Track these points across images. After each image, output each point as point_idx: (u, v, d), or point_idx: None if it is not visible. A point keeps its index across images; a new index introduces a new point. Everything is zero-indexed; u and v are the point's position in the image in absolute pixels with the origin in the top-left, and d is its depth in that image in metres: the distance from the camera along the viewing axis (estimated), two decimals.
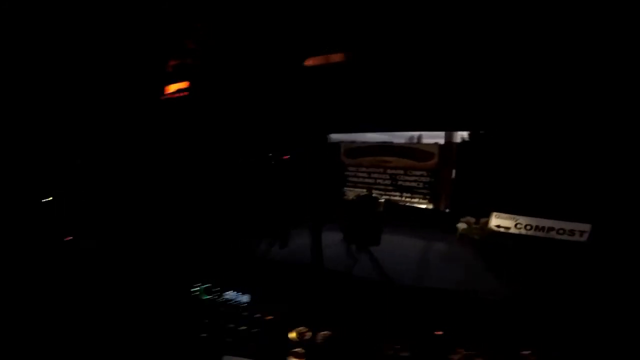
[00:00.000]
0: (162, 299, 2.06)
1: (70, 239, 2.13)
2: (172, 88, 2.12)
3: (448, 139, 2.72)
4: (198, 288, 2.05)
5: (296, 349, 1.82)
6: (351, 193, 2.64)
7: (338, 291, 1.91)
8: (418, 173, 2.78)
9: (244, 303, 1.97)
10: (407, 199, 2.81)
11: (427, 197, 2.75)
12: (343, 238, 1.99)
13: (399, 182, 2.78)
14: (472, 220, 2.28)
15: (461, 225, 2.32)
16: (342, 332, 1.79)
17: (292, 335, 1.84)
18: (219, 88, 2.13)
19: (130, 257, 2.16)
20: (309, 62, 1.95)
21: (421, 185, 2.76)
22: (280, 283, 1.98)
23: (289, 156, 2.17)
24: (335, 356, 1.77)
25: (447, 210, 2.66)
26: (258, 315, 1.93)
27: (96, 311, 2.06)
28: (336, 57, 1.94)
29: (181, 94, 2.13)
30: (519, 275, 1.78)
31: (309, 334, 1.83)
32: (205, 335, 1.96)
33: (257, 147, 2.19)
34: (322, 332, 1.81)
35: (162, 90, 2.13)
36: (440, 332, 1.70)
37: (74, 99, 2.14)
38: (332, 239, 2.03)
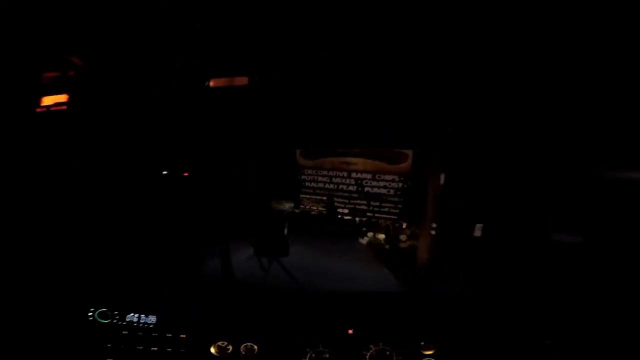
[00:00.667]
0: (53, 326, 1.83)
1: None
2: (49, 100, 1.94)
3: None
4: (91, 313, 1.83)
5: None
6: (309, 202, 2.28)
7: (253, 303, 1.88)
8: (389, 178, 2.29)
9: (151, 324, 1.84)
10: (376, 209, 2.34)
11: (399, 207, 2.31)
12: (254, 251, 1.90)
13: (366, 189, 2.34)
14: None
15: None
16: (264, 342, 1.81)
17: (213, 350, 1.82)
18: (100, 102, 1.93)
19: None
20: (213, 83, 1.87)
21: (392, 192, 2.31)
22: (190, 300, 1.87)
23: (188, 173, 1.91)
24: None
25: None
26: (169, 334, 1.83)
27: None
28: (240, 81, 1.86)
29: (59, 107, 1.94)
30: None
31: (230, 348, 1.82)
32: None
33: (151, 164, 1.89)
34: (245, 345, 1.82)
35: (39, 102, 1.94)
36: (351, 331, 1.82)
37: None
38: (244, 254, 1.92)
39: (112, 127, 1.95)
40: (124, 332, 1.84)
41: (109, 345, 1.83)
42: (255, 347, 1.83)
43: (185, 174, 2.01)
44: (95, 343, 1.83)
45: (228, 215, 1.99)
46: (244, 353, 1.82)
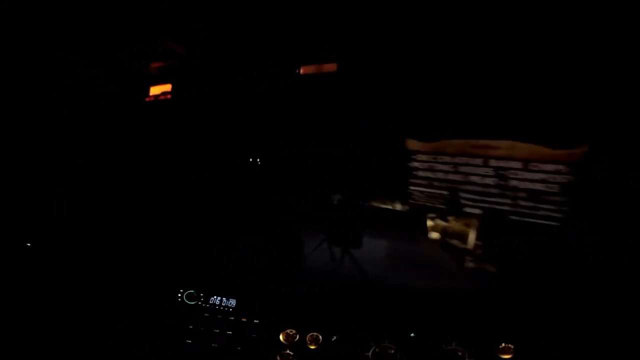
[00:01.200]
0: (148, 305, 2.02)
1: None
2: (156, 90, 2.09)
3: None
4: (181, 294, 2.01)
5: (285, 351, 1.82)
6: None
7: (324, 293, 1.90)
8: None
9: (230, 308, 1.94)
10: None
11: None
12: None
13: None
14: None
15: None
16: (330, 333, 1.79)
17: (281, 337, 1.84)
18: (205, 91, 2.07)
19: (109, 262, 2.10)
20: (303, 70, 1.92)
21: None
22: (267, 287, 1.96)
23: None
24: (325, 357, 1.76)
25: None
26: (244, 319, 1.90)
27: (78, 316, 2.02)
28: (329, 67, 1.89)
29: (165, 97, 2.09)
30: None
31: (297, 336, 1.82)
32: (190, 341, 1.94)
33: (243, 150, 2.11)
34: (311, 334, 1.81)
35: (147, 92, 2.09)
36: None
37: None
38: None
39: (213, 116, 2.10)
40: (205, 315, 1.96)
41: (190, 326, 1.96)
42: (320, 336, 1.81)
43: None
44: (181, 324, 1.97)
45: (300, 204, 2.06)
46: (309, 342, 1.81)
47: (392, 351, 1.71)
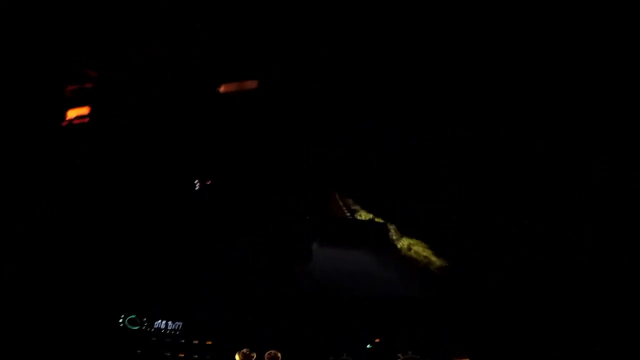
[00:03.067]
0: (87, 332, 1.89)
1: None
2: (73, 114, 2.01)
3: None
4: (122, 319, 1.87)
5: None
6: None
7: (277, 307, 1.85)
8: None
9: (177, 331, 1.85)
10: None
11: None
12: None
13: None
14: None
15: None
16: (289, 350, 1.78)
17: (237, 358, 1.80)
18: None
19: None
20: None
21: None
22: (215, 307, 1.87)
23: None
24: None
25: None
26: (196, 341, 1.83)
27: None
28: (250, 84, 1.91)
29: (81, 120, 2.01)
30: None
31: (253, 355, 1.80)
32: None
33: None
34: (269, 352, 1.79)
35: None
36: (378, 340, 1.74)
37: None
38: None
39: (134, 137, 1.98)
40: (152, 339, 1.86)
41: (138, 351, 1.85)
42: (279, 354, 1.79)
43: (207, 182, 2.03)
44: (125, 350, 1.86)
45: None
46: None
47: None
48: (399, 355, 1.74)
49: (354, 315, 1.81)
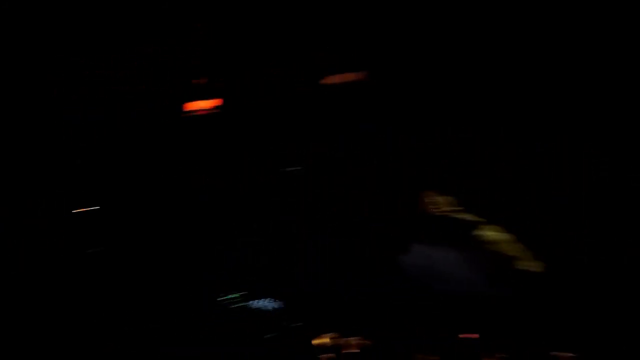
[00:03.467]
0: (189, 307, 2.04)
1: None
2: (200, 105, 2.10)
3: None
4: (225, 297, 2.03)
5: (327, 355, 1.82)
6: None
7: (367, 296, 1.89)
8: None
9: (273, 311, 1.96)
10: None
11: None
12: None
13: None
14: None
15: None
16: (373, 338, 1.78)
17: (323, 341, 1.84)
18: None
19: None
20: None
21: None
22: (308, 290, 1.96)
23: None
24: None
25: None
26: (285, 322, 1.91)
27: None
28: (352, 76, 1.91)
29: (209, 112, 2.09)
30: None
31: (340, 340, 1.82)
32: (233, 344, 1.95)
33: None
34: (354, 338, 1.80)
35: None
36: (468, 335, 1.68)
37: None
38: None
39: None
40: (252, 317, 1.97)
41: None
42: (365, 341, 1.81)
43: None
44: (223, 326, 1.98)
45: None
46: (352, 347, 1.81)
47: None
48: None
49: (447, 310, 1.78)
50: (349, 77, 1.94)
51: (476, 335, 1.68)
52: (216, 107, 2.09)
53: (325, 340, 1.85)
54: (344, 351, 1.81)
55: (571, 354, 1.55)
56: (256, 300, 2.02)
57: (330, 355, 1.81)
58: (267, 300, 1.99)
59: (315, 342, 1.85)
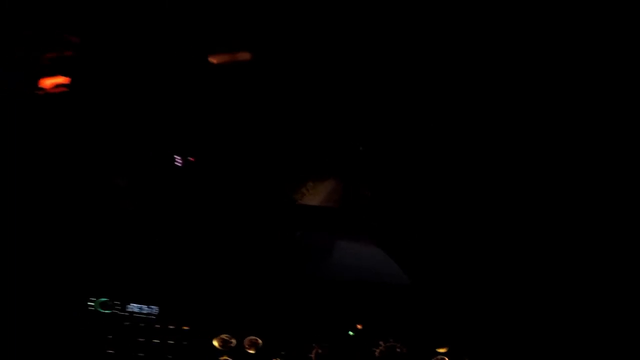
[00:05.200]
0: (53, 316, 1.78)
1: None
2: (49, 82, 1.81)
3: None
4: (93, 302, 1.78)
5: (221, 358, 1.76)
6: None
7: (257, 293, 1.80)
8: None
9: (153, 315, 1.78)
10: None
11: None
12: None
13: None
14: None
15: None
16: (270, 336, 1.74)
17: (215, 343, 1.76)
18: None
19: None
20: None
21: None
22: (193, 291, 1.80)
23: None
24: None
25: None
26: (172, 326, 1.77)
27: None
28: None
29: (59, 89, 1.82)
30: None
31: (233, 341, 1.75)
32: (112, 351, 1.78)
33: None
34: (249, 338, 1.75)
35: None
36: (360, 326, 1.73)
37: None
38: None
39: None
40: (125, 323, 1.78)
41: (109, 336, 1.77)
42: (260, 340, 1.75)
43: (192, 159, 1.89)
44: (96, 334, 1.77)
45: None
46: (247, 346, 1.75)
47: (334, 351, 1.72)
48: (381, 342, 1.74)
49: (336, 301, 1.78)
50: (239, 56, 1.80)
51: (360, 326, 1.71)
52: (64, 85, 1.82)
53: (216, 342, 1.75)
54: (237, 351, 1.75)
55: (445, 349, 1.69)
56: (130, 305, 1.79)
57: (225, 358, 1.75)
58: (143, 304, 1.78)
59: (208, 344, 1.75)
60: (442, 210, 1.87)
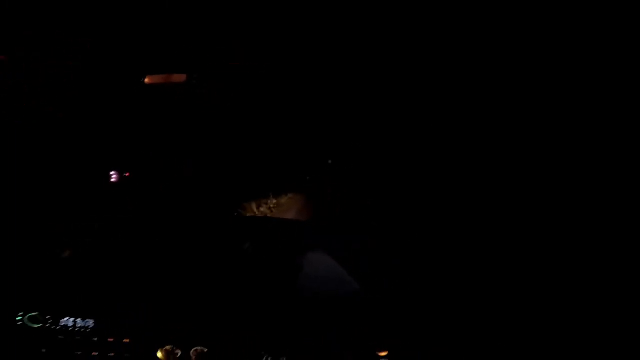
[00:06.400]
0: None
1: None
2: None
3: None
4: (21, 317, 1.64)
5: None
6: None
7: (202, 303, 1.70)
8: None
9: (88, 328, 1.65)
10: None
11: None
12: None
13: None
14: None
15: None
16: (217, 346, 1.66)
17: (160, 355, 1.66)
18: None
19: None
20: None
21: None
22: (132, 301, 1.68)
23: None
24: None
25: None
26: (111, 339, 1.65)
27: None
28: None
29: None
30: None
31: (178, 352, 1.66)
32: None
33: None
34: (195, 349, 1.66)
35: None
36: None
37: None
38: None
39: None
40: (59, 337, 1.65)
41: (43, 350, 1.65)
42: (205, 350, 1.67)
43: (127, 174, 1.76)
44: (27, 349, 1.64)
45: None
46: (194, 357, 1.66)
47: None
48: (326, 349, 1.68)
49: (282, 312, 1.70)
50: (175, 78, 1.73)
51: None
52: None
53: (160, 354, 1.66)
54: None
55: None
56: (65, 318, 1.66)
57: None
58: (77, 318, 1.66)
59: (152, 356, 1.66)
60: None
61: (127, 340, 1.66)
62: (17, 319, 1.65)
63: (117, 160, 1.79)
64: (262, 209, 1.82)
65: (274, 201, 1.84)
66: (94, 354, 1.67)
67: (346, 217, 1.85)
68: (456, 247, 1.74)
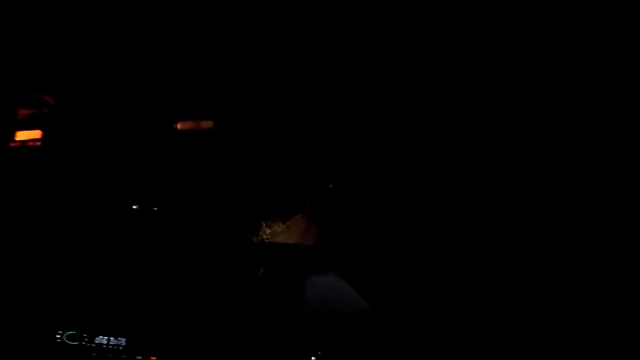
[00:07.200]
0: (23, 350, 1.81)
1: None
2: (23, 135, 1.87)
3: None
4: (60, 335, 1.81)
5: None
6: None
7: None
8: None
9: (120, 346, 1.81)
10: None
11: None
12: None
13: None
14: None
15: None
16: None
17: None
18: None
19: None
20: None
21: None
22: (160, 322, 1.83)
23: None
24: None
25: None
26: (139, 357, 1.81)
27: None
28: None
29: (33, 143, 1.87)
30: None
31: None
32: None
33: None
34: None
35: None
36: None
37: None
38: None
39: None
40: (93, 354, 1.81)
41: None
42: None
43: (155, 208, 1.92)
44: None
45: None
46: None
47: None
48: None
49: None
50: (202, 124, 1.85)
51: None
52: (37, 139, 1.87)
53: None
54: None
55: None
56: (99, 337, 1.83)
57: None
58: (108, 336, 1.82)
59: None
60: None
61: (154, 358, 1.80)
62: (56, 337, 1.82)
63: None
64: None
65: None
66: None
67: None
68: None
